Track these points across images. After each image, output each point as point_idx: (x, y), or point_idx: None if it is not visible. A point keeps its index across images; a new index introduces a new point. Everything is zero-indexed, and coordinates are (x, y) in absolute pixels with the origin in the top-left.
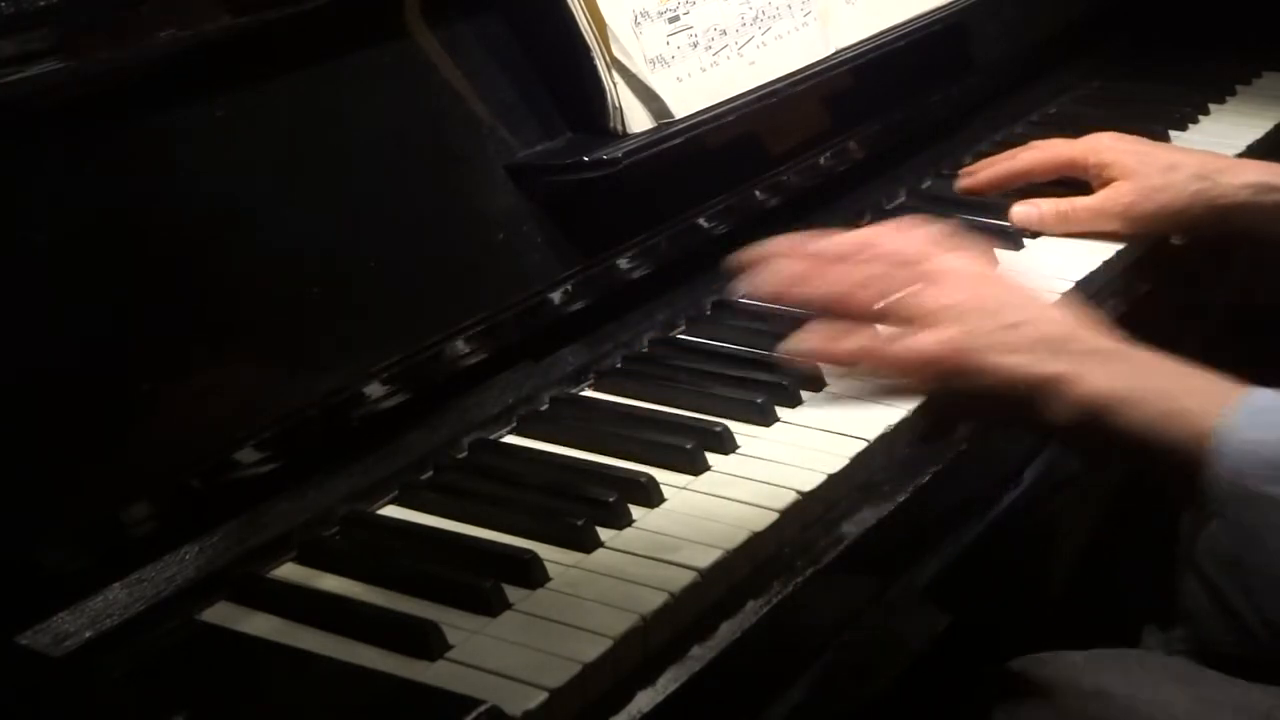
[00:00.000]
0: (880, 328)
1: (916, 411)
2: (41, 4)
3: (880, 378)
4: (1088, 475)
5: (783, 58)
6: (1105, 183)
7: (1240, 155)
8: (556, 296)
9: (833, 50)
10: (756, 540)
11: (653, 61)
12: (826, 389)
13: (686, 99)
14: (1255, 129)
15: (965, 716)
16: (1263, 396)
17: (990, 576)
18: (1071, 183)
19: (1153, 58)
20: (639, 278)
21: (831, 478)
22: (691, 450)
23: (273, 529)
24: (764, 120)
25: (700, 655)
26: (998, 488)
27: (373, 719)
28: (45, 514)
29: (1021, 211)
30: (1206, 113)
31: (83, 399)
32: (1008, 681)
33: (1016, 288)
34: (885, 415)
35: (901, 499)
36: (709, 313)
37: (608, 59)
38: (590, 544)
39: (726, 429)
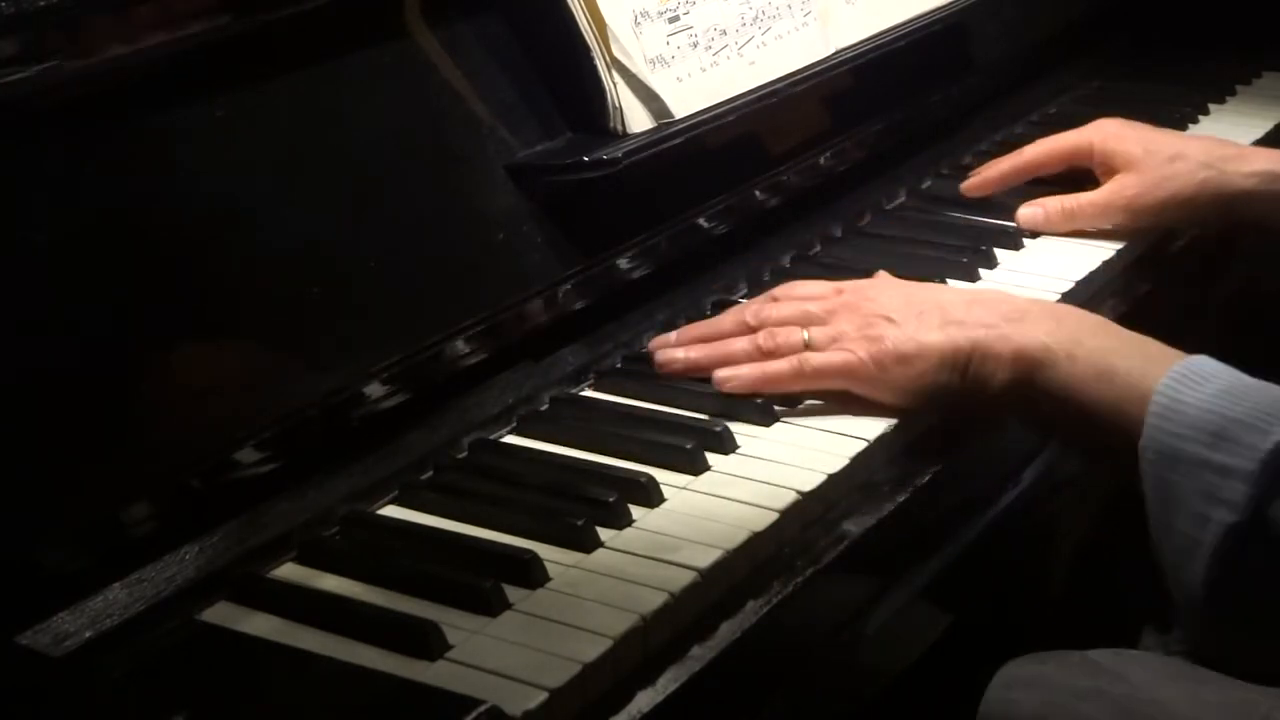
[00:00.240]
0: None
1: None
2: (41, 4)
3: (819, 388)
4: (1088, 475)
5: (783, 58)
6: (1110, 173)
7: None
8: (556, 296)
9: (833, 50)
10: (756, 540)
11: (653, 61)
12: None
13: (686, 99)
14: (1255, 129)
15: (965, 716)
16: (1201, 362)
17: (990, 576)
18: (1075, 179)
19: (1153, 58)
20: (639, 278)
21: (831, 478)
22: (691, 450)
23: (273, 529)
24: (764, 120)
25: (700, 655)
26: (998, 488)
27: (373, 719)
28: (45, 514)
29: (1027, 213)
30: (1206, 113)
31: (83, 399)
32: (1007, 681)
33: (925, 285)
34: (881, 413)
35: (901, 499)
36: (709, 313)
37: (608, 59)
38: (590, 544)
39: (726, 429)
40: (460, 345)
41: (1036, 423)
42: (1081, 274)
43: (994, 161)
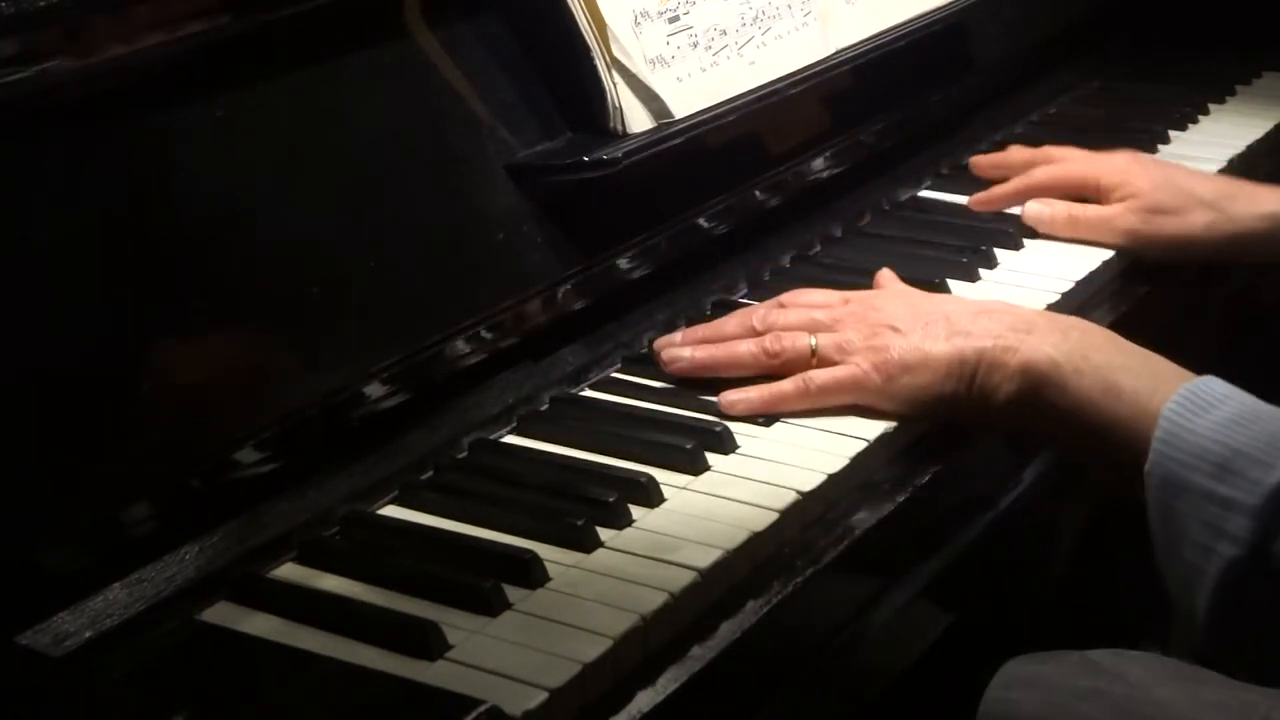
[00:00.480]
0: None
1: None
2: (42, 4)
3: (826, 405)
4: (1088, 475)
5: (783, 58)
6: (1116, 202)
7: (1240, 155)
8: (556, 296)
9: (833, 50)
10: (756, 540)
11: (653, 61)
12: None
13: (686, 99)
14: (1255, 129)
15: (965, 716)
16: (1209, 384)
17: (990, 576)
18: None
19: (1153, 58)
20: (639, 278)
21: (831, 478)
22: (691, 450)
23: (273, 529)
24: (764, 120)
25: (700, 655)
26: (998, 488)
27: (373, 719)
28: (45, 514)
29: (1035, 210)
30: (1206, 113)
31: (83, 399)
32: (1007, 681)
33: (931, 295)
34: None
35: (901, 499)
36: (709, 313)
37: (608, 59)
38: (590, 544)
39: (726, 429)
40: (460, 345)
41: (1042, 436)
42: (1081, 274)
43: (1007, 155)
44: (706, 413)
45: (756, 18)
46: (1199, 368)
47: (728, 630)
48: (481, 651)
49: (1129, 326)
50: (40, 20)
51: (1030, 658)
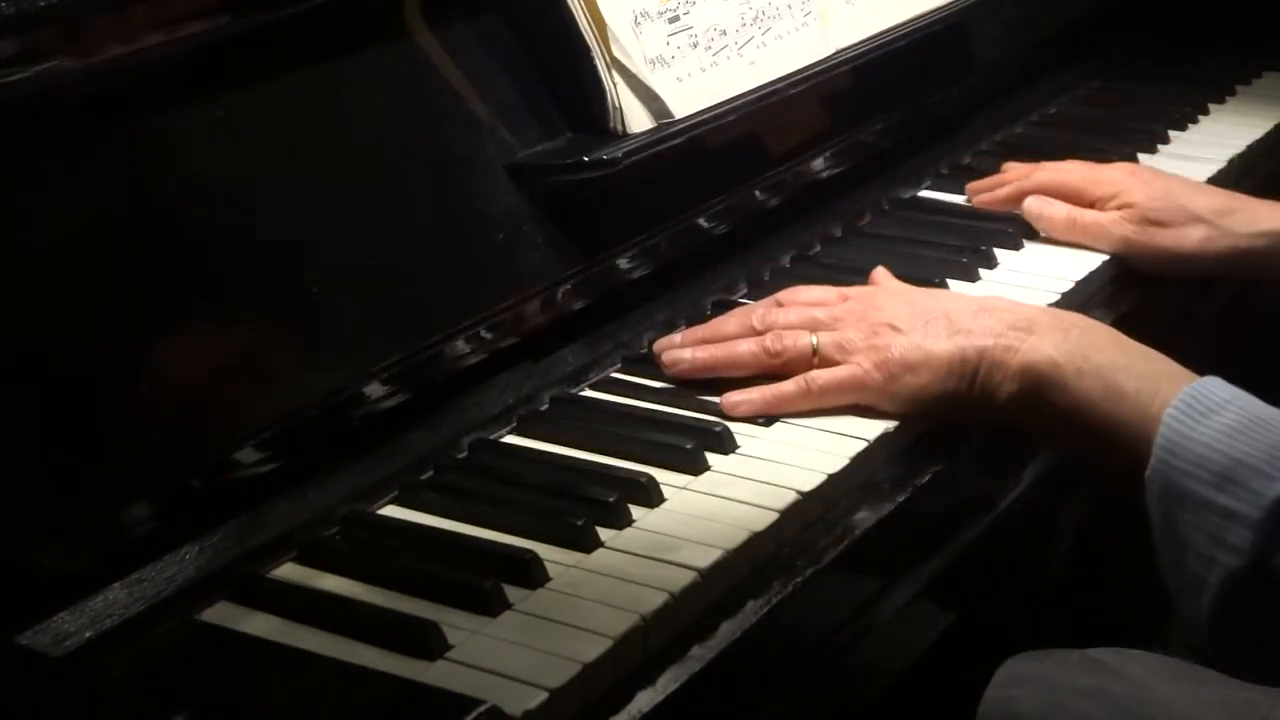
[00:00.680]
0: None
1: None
2: (41, 4)
3: (828, 405)
4: (1088, 475)
5: (783, 58)
6: (1113, 209)
7: (1240, 155)
8: (556, 296)
9: (833, 50)
10: (756, 540)
11: (653, 61)
12: None
13: (686, 99)
14: (1255, 129)
15: (965, 715)
16: (1211, 387)
17: (990, 576)
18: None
19: (1153, 58)
20: (639, 278)
21: (831, 478)
22: (691, 450)
23: (273, 529)
24: (764, 120)
25: (700, 655)
26: (998, 488)
27: (373, 719)
28: (45, 514)
29: (1034, 207)
30: (1206, 113)
31: (83, 399)
32: (1007, 680)
33: (931, 292)
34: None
35: (901, 499)
36: (709, 313)
37: (608, 59)
38: (590, 544)
39: (726, 429)
40: (460, 345)
41: (1043, 435)
42: (1081, 275)
43: (998, 180)
44: (706, 413)
45: (756, 18)
46: (1197, 367)
47: (728, 630)
48: (481, 651)
49: (1127, 327)
50: (40, 20)
51: (1031, 656)
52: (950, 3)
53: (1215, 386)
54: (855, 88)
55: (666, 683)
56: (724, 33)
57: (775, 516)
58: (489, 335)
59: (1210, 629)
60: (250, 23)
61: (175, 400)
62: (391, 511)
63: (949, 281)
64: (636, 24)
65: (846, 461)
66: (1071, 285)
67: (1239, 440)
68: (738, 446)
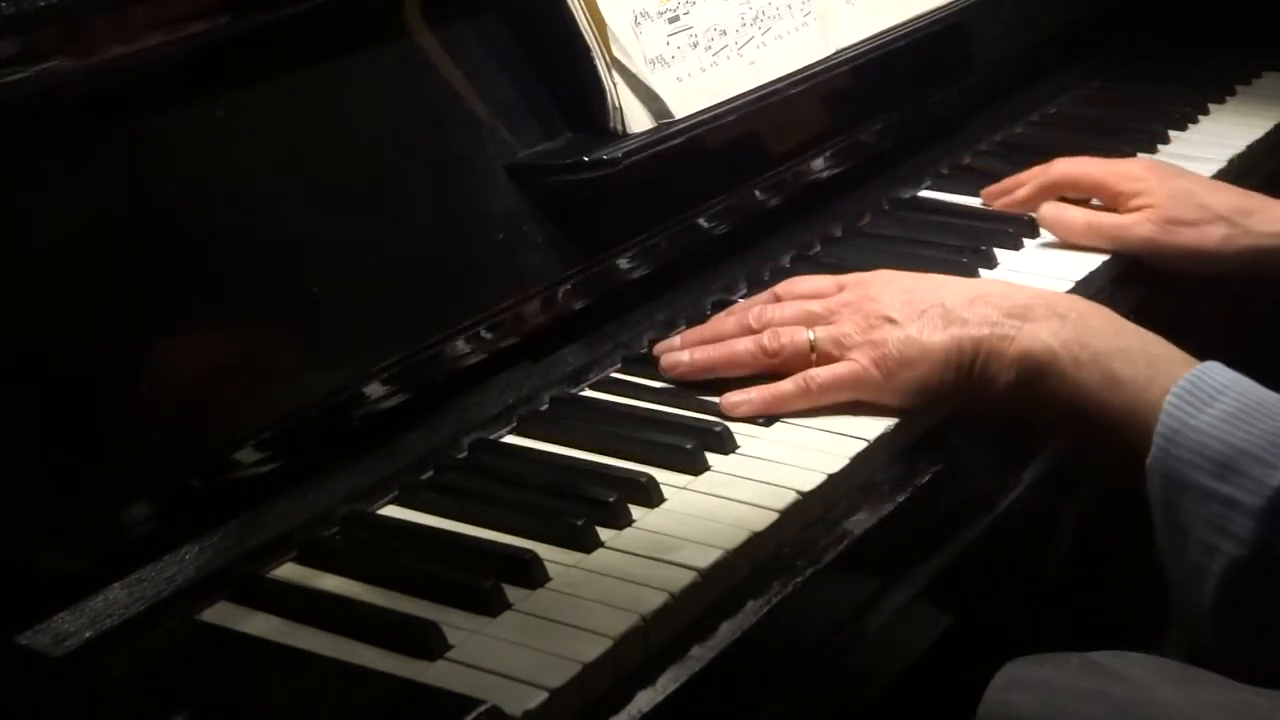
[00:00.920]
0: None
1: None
2: (41, 4)
3: (827, 403)
4: (1088, 475)
5: (783, 58)
6: (1133, 210)
7: (1240, 155)
8: (556, 296)
9: (833, 50)
10: (756, 540)
11: (653, 61)
12: None
13: (686, 99)
14: (1255, 129)
15: (965, 717)
16: (1211, 372)
17: (990, 576)
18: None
19: (1153, 58)
20: (639, 278)
21: (831, 478)
22: (691, 450)
23: (273, 529)
24: (764, 120)
25: (700, 655)
26: (998, 488)
27: (373, 719)
28: (45, 514)
29: (1051, 212)
30: (1206, 113)
31: (83, 399)
32: (1007, 682)
33: (927, 278)
34: (885, 414)
35: (901, 499)
36: (709, 313)
37: (608, 59)
38: (590, 544)
39: (726, 429)
40: (460, 345)
41: (1043, 424)
42: (1081, 275)
43: (1015, 180)
44: (706, 413)
45: (756, 18)
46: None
47: (728, 630)
48: (481, 651)
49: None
50: (40, 20)
51: (1030, 659)
52: (950, 3)
53: (1215, 372)
54: (855, 88)
55: (666, 683)
56: (724, 33)
57: (775, 516)
58: (489, 335)
59: (1212, 619)
60: (250, 23)
61: (175, 400)
62: (391, 511)
63: None
64: (636, 24)
65: (846, 461)
66: (1071, 285)
67: (1240, 427)
68: (738, 446)
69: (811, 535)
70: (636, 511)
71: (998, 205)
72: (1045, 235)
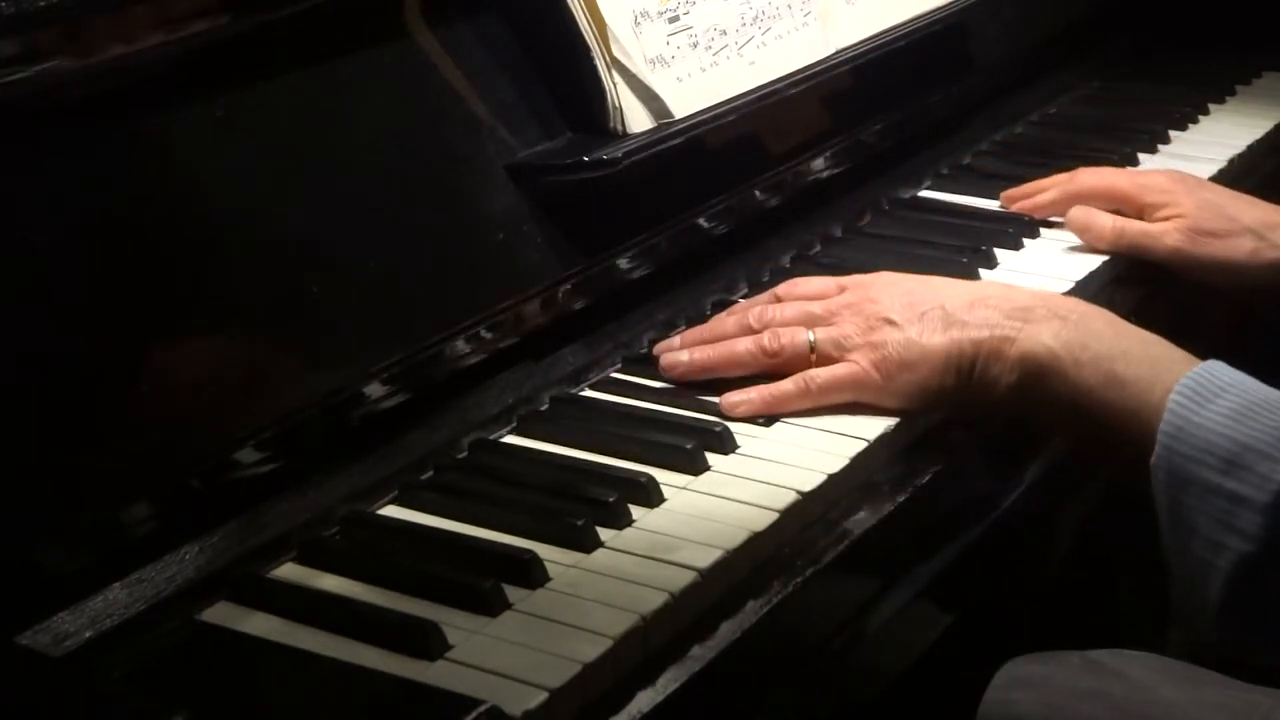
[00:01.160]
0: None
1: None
2: (41, 4)
3: (827, 404)
4: (1088, 475)
5: (783, 58)
6: (1161, 219)
7: (1240, 155)
8: (556, 296)
9: (833, 50)
10: (756, 540)
11: (653, 61)
12: None
13: (686, 99)
14: (1255, 129)
15: (965, 716)
16: (1213, 371)
17: (990, 577)
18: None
19: (1153, 58)
20: (639, 278)
21: (831, 478)
22: (691, 450)
23: (273, 529)
24: (764, 120)
25: (700, 655)
26: (998, 488)
27: (373, 719)
28: (45, 514)
29: (1080, 217)
30: (1206, 113)
31: (82, 399)
32: (1007, 681)
33: (927, 280)
34: (885, 415)
35: (901, 499)
36: (709, 313)
37: (608, 59)
38: (590, 544)
39: (726, 429)
40: (460, 345)
41: (1045, 425)
42: (1081, 275)
43: (1037, 186)
44: (706, 413)
45: (756, 18)
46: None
47: (728, 630)
48: (481, 651)
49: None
50: (40, 20)
51: (1031, 658)
52: (950, 3)
53: (1218, 370)
54: (855, 88)
55: (666, 683)
56: (724, 32)
57: (775, 516)
58: (489, 335)
59: (1219, 616)
60: (250, 23)
61: (175, 400)
62: (391, 511)
63: None
64: (636, 24)
65: (846, 462)
66: (1071, 285)
67: (1244, 424)
68: (738, 446)
69: (811, 535)
70: (636, 511)
71: (1016, 208)
72: (1045, 235)
